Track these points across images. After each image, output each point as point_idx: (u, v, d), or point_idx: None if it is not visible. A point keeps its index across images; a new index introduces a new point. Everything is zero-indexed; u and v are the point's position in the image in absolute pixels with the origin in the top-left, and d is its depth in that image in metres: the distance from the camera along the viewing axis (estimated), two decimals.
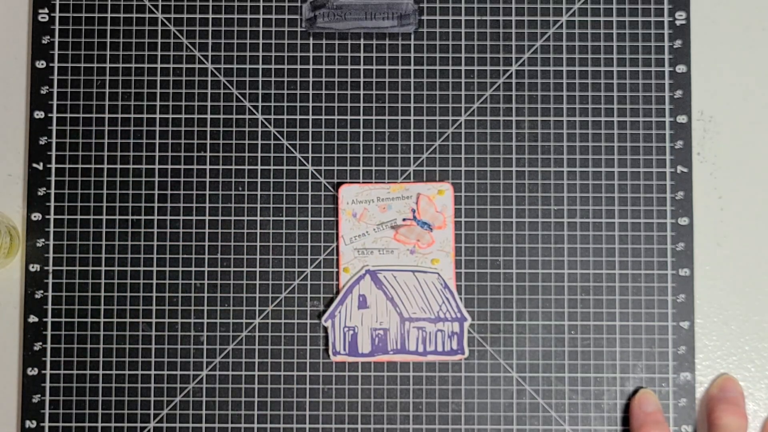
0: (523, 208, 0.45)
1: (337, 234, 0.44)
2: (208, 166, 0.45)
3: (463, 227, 0.44)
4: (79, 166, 0.45)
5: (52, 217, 0.44)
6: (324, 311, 0.43)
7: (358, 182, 0.44)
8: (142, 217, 0.44)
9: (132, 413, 0.43)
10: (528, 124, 0.45)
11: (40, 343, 0.44)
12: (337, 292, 0.43)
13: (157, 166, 0.45)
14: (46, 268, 0.44)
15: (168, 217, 0.44)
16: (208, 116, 0.45)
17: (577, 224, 0.44)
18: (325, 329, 0.43)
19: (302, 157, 0.45)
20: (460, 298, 0.43)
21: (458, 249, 0.44)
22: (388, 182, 0.44)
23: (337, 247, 0.44)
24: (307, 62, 0.45)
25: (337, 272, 0.44)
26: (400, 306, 0.43)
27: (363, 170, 0.45)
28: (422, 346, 0.43)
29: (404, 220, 0.43)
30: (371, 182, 0.44)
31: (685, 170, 0.45)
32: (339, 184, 0.44)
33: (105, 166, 0.45)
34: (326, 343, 0.44)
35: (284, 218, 0.44)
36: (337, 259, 0.44)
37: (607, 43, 0.45)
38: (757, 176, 0.45)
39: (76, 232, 0.44)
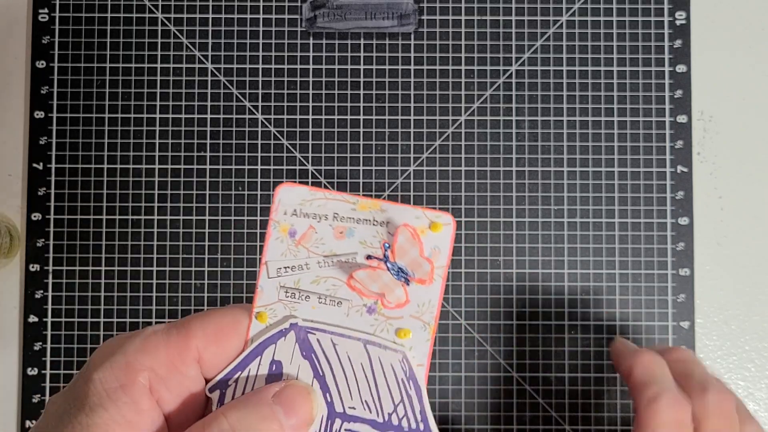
0: (523, 208, 0.45)
1: (259, 258, 0.28)
2: (208, 166, 0.45)
3: (463, 227, 0.44)
4: (79, 166, 0.45)
5: (52, 217, 0.44)
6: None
7: (308, 184, 0.31)
8: (142, 217, 0.44)
9: None
10: (528, 124, 0.45)
11: (40, 343, 0.44)
12: (243, 349, 0.26)
13: (157, 166, 0.45)
14: (46, 268, 0.44)
15: (168, 217, 0.44)
16: (208, 116, 0.45)
17: (577, 224, 0.44)
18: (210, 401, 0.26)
19: (302, 157, 0.45)
20: (429, 402, 0.27)
21: (457, 249, 0.44)
22: (358, 194, 0.29)
23: (256, 277, 0.28)
24: (307, 62, 0.45)
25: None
26: (332, 391, 0.27)
27: (363, 170, 0.45)
28: None
29: (368, 258, 0.27)
30: (331, 189, 0.29)
31: (685, 170, 0.45)
32: (276, 184, 0.30)
33: (105, 166, 0.45)
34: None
35: None
36: (252, 297, 0.27)
37: (607, 43, 0.45)
38: (757, 176, 0.45)
39: (76, 232, 0.44)
